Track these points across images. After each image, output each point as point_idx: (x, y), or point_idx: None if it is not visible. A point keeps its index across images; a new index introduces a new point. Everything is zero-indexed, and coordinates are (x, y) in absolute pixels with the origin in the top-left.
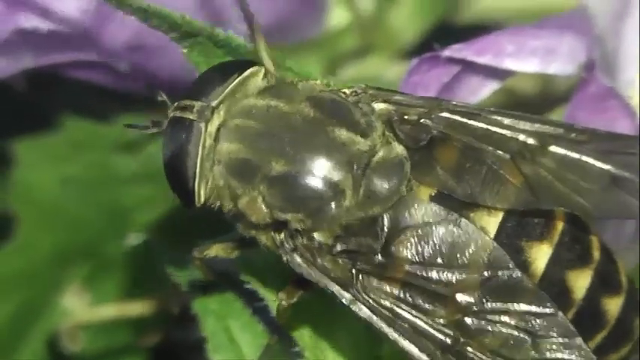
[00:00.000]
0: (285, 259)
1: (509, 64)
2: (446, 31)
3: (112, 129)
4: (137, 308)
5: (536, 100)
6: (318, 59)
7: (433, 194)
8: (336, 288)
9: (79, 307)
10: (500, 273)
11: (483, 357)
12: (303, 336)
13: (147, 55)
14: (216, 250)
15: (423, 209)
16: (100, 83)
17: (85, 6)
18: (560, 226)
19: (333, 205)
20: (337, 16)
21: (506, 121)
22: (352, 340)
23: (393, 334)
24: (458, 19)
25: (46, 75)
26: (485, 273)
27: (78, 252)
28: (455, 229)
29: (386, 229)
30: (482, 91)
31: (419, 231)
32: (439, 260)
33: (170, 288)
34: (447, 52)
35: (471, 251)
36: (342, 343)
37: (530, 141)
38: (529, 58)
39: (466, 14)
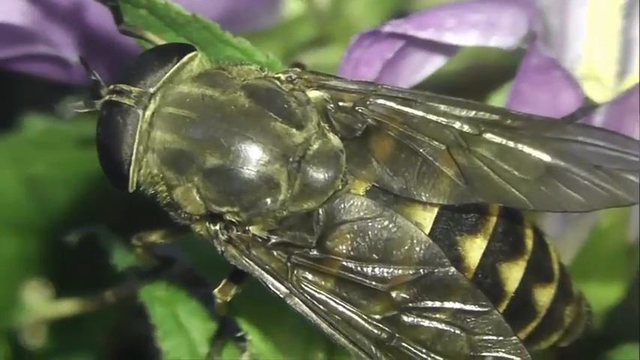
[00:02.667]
0: (219, 249)
1: (449, 37)
2: None
3: (72, 126)
4: (96, 303)
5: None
6: (275, 49)
7: (368, 188)
8: (270, 280)
9: (40, 303)
10: (435, 270)
11: (418, 352)
12: (248, 321)
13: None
14: (154, 237)
15: (358, 204)
16: (53, 78)
17: None
18: (494, 217)
19: (268, 199)
20: (293, 6)
21: (443, 107)
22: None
23: (327, 329)
24: (414, 8)
25: (3, 75)
26: (421, 270)
27: (43, 250)
28: (390, 225)
29: (321, 224)
30: (427, 67)
31: (354, 226)
32: (374, 256)
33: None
34: (387, 27)
35: (406, 248)
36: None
37: (466, 128)
38: (470, 31)
39: (422, 3)
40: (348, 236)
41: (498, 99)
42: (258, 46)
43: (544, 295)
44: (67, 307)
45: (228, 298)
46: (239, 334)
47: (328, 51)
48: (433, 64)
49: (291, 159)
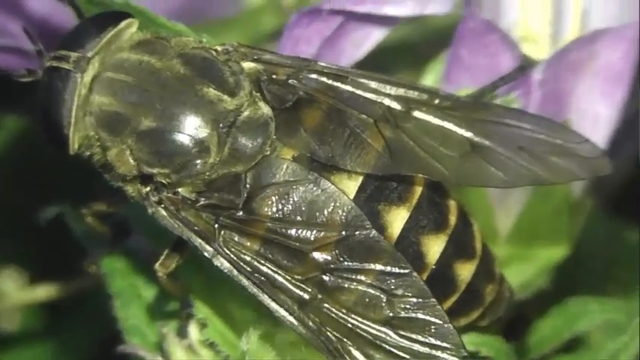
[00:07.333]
0: (150, 211)
1: (388, 10)
2: None
3: None
4: (71, 287)
5: None
6: (238, 39)
7: (296, 155)
8: (199, 241)
9: (14, 289)
10: (357, 232)
11: (339, 313)
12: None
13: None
14: (100, 206)
15: (284, 167)
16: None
17: None
18: (418, 190)
19: (197, 161)
20: None
21: (373, 84)
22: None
23: (252, 288)
24: None
25: None
26: (343, 232)
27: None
28: (314, 189)
29: (248, 186)
30: (367, 43)
31: (280, 189)
32: (298, 218)
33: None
34: (327, 5)
35: (329, 210)
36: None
37: (395, 105)
38: (406, 2)
39: None
40: (273, 198)
41: (437, 68)
42: (221, 36)
43: (465, 271)
44: (43, 292)
45: (169, 270)
46: (186, 304)
47: None
48: (374, 37)
49: (221, 124)
